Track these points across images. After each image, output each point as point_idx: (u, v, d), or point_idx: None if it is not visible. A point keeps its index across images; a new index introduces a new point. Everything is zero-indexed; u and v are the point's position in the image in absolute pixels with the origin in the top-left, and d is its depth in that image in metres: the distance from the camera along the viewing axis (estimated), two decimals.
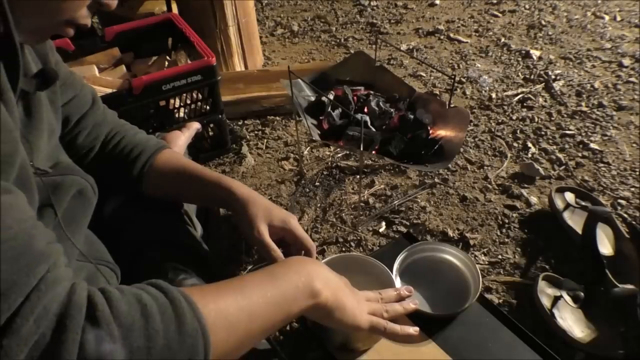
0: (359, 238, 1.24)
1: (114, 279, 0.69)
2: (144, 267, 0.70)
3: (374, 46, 1.52)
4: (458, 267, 0.99)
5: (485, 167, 1.45)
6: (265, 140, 1.60)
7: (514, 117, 1.65)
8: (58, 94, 0.64)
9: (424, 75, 1.91)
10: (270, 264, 0.61)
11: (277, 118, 1.68)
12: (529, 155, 1.48)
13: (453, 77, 1.25)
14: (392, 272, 0.89)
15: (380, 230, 1.27)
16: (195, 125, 1.06)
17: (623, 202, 1.31)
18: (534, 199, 1.33)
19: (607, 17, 2.24)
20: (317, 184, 1.42)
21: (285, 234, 0.72)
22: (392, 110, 1.32)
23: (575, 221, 1.20)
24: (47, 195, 0.57)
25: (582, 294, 1.03)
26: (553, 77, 1.83)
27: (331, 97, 1.34)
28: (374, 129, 1.28)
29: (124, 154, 0.75)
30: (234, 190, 0.72)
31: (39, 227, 0.40)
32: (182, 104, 1.34)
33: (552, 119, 1.63)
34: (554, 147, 1.51)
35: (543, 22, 2.22)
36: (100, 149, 0.75)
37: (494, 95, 1.76)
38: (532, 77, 1.85)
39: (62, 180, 0.61)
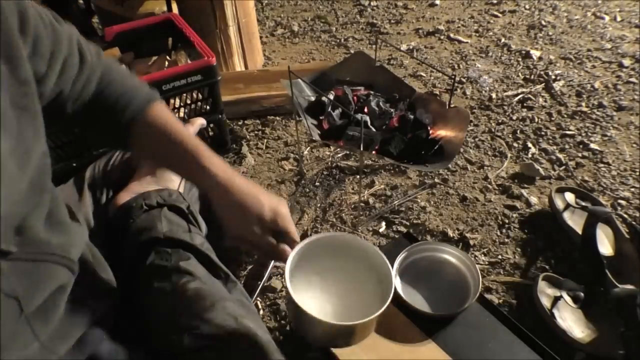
0: None
1: None
2: (146, 268, 0.69)
3: (374, 46, 1.52)
4: (458, 267, 0.99)
5: (485, 167, 1.45)
6: (265, 140, 1.60)
7: (514, 117, 1.65)
8: (30, 86, 0.47)
9: (424, 75, 1.91)
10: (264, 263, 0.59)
11: (277, 118, 1.68)
12: (529, 156, 1.48)
13: (453, 77, 1.25)
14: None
15: (380, 230, 1.27)
16: (200, 121, 1.04)
17: (623, 202, 1.31)
18: (534, 199, 1.33)
19: (607, 18, 2.24)
20: (317, 184, 1.42)
21: (273, 225, 0.63)
22: (392, 110, 1.32)
23: (575, 221, 1.20)
24: (10, 283, 0.44)
25: (582, 294, 1.03)
26: (553, 77, 1.83)
27: (331, 97, 1.34)
28: (374, 129, 1.28)
29: (111, 104, 0.64)
30: (213, 172, 0.62)
31: None
32: (182, 104, 1.34)
33: (552, 119, 1.63)
34: (554, 147, 1.51)
35: (543, 23, 2.22)
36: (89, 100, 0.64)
37: (494, 96, 1.76)
38: (532, 77, 1.85)
39: (36, 269, 0.47)
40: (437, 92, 1.82)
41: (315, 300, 0.68)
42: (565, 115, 1.65)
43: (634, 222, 1.21)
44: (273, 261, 1.17)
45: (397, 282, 0.91)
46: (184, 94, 1.32)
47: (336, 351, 0.85)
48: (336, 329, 0.63)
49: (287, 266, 0.63)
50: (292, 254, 0.63)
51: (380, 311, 0.61)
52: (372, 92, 1.39)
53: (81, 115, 0.64)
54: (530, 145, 1.52)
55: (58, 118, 0.62)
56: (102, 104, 0.64)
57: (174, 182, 0.85)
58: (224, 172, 0.63)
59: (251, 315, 0.66)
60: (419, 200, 1.35)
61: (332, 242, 0.71)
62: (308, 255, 0.67)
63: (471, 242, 1.22)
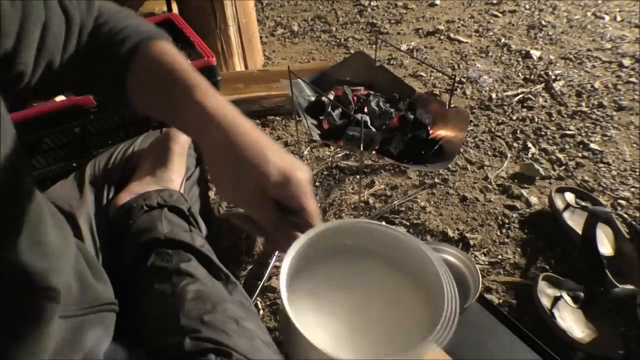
0: None
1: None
2: (147, 269, 0.69)
3: (374, 46, 1.52)
4: (458, 267, 0.99)
5: (485, 167, 1.45)
6: None
7: (514, 117, 1.65)
8: None
9: (424, 75, 1.91)
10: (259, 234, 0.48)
11: (277, 118, 1.68)
12: (529, 156, 1.48)
13: (453, 77, 1.25)
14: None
15: None
16: None
17: (623, 202, 1.31)
18: (534, 199, 1.33)
19: (607, 17, 2.24)
20: (317, 184, 1.42)
21: (285, 194, 0.47)
22: (392, 110, 1.32)
23: (575, 221, 1.20)
24: None
25: (582, 294, 1.03)
26: (553, 77, 1.83)
27: (331, 97, 1.34)
28: (374, 129, 1.28)
29: (106, 41, 0.54)
30: (207, 110, 0.48)
31: None
32: None
33: (552, 119, 1.63)
34: (554, 147, 1.51)
35: (543, 22, 2.22)
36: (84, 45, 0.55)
37: (494, 96, 1.76)
38: (532, 77, 1.85)
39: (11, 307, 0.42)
40: (437, 92, 1.82)
41: (324, 322, 0.46)
42: (565, 115, 1.65)
43: (634, 222, 1.21)
44: (276, 252, 1.16)
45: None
46: None
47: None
48: None
49: (285, 264, 0.44)
50: (294, 247, 0.45)
51: (427, 343, 0.39)
52: (372, 92, 1.39)
53: (72, 73, 0.54)
54: (530, 145, 1.52)
55: (56, 88, 0.60)
56: (96, 44, 0.53)
57: (174, 182, 0.85)
58: (223, 114, 0.48)
59: (252, 317, 0.66)
60: (419, 200, 1.35)
61: (356, 233, 0.50)
62: (320, 250, 0.48)
63: (471, 242, 1.22)
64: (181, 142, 0.89)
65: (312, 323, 0.43)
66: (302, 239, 0.46)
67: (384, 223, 0.50)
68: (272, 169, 0.46)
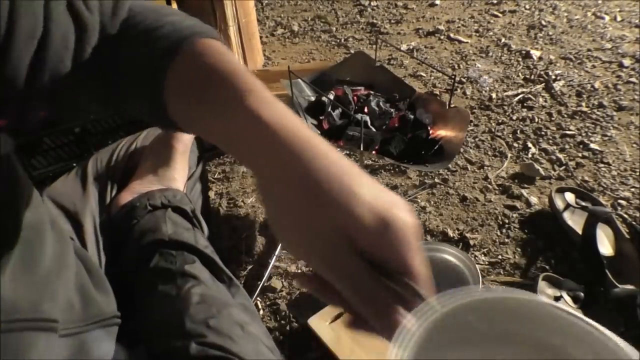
0: None
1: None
2: (150, 270, 0.69)
3: (374, 46, 1.52)
4: (458, 267, 0.99)
5: (486, 167, 1.45)
6: None
7: (514, 117, 1.65)
8: None
9: (424, 75, 1.91)
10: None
11: None
12: (529, 156, 1.48)
13: (453, 77, 1.25)
14: None
15: None
16: None
17: (623, 202, 1.31)
18: (534, 199, 1.33)
19: (607, 18, 2.24)
20: None
21: (381, 247, 0.32)
22: (392, 110, 1.32)
23: (575, 221, 1.20)
24: None
25: (582, 294, 1.03)
26: (553, 77, 1.83)
27: (331, 97, 1.34)
28: (374, 129, 1.28)
29: (142, 36, 0.44)
30: (265, 121, 0.35)
31: None
32: None
33: (553, 119, 1.63)
34: (554, 147, 1.51)
35: (543, 22, 2.22)
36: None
37: (494, 96, 1.76)
38: (532, 77, 1.85)
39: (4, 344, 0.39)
40: (437, 92, 1.82)
41: None
42: (566, 115, 1.65)
43: (634, 222, 1.21)
44: (276, 252, 1.16)
45: None
46: None
47: (336, 351, 0.85)
48: None
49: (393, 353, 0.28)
50: (406, 331, 0.29)
51: None
52: (372, 92, 1.39)
53: (98, 83, 0.46)
54: (530, 145, 1.52)
55: (78, 104, 0.50)
56: (127, 45, 0.45)
57: (177, 181, 0.84)
58: (289, 128, 0.35)
59: (255, 321, 0.66)
60: (419, 200, 1.35)
61: (497, 311, 0.32)
62: (444, 334, 0.30)
63: (471, 242, 1.22)
64: (184, 140, 0.88)
65: None
66: (417, 325, 0.29)
67: (554, 303, 0.32)
68: (363, 210, 0.31)
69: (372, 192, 0.33)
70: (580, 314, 0.32)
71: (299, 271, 0.36)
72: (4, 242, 0.38)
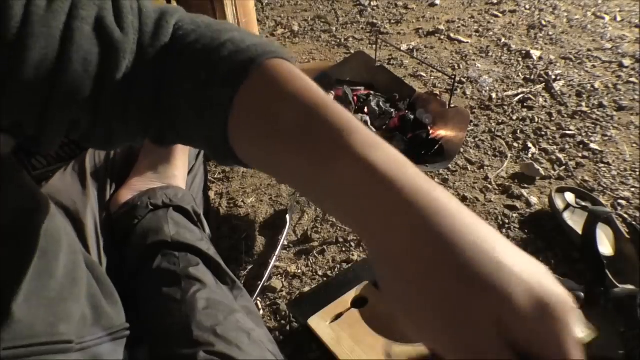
0: (359, 238, 1.24)
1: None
2: (153, 271, 0.68)
3: (374, 46, 1.52)
4: None
5: (486, 167, 1.45)
6: None
7: (514, 117, 1.65)
8: None
9: (424, 75, 1.91)
10: None
11: None
12: (529, 156, 1.48)
13: (453, 77, 1.25)
14: None
15: None
16: None
17: (623, 202, 1.31)
18: (534, 199, 1.33)
19: (607, 18, 2.24)
20: None
21: (538, 334, 0.26)
22: (392, 110, 1.32)
23: (575, 221, 1.20)
24: None
25: (582, 294, 1.03)
26: (553, 77, 1.83)
27: (331, 97, 1.34)
28: (374, 129, 1.28)
29: (202, 58, 0.37)
30: (383, 176, 0.28)
31: None
32: None
33: (553, 119, 1.63)
34: (554, 147, 1.51)
35: (543, 23, 2.22)
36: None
37: (494, 96, 1.76)
38: (532, 77, 1.85)
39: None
40: (437, 92, 1.82)
41: None
42: (566, 115, 1.65)
43: (634, 222, 1.21)
44: (276, 252, 1.15)
45: None
46: None
47: (336, 351, 0.85)
48: None
49: None
50: None
51: None
52: (372, 92, 1.39)
53: (138, 117, 0.39)
54: (530, 145, 1.52)
55: (117, 139, 0.42)
56: (181, 68, 0.37)
57: (177, 178, 0.82)
58: (412, 184, 0.28)
59: (259, 326, 0.66)
60: None
61: None
62: None
63: None
64: None
65: None
66: None
67: None
68: (518, 290, 0.25)
69: (519, 264, 0.27)
70: None
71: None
72: (24, 252, 0.37)
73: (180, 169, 0.84)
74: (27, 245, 0.39)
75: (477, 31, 2.20)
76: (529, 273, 0.27)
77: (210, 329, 0.59)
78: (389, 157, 0.29)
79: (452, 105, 1.27)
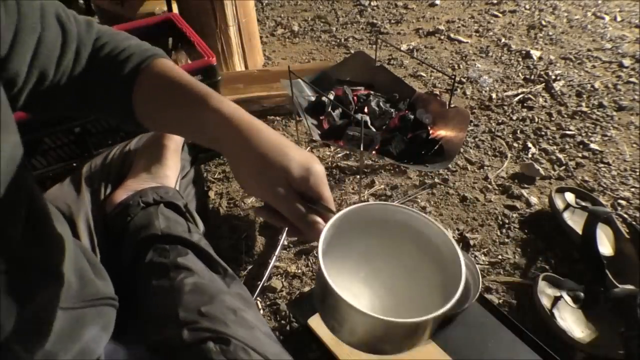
0: None
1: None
2: (145, 266, 0.69)
3: (374, 46, 1.52)
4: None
5: (486, 167, 1.45)
6: None
7: (514, 118, 1.65)
8: None
9: (424, 75, 1.91)
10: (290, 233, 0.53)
11: (277, 118, 1.68)
12: (529, 156, 1.48)
13: (453, 77, 1.25)
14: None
15: None
16: None
17: (623, 202, 1.31)
18: (534, 199, 1.33)
19: (607, 18, 2.24)
20: None
21: (307, 186, 0.50)
22: (392, 110, 1.32)
23: (575, 221, 1.20)
24: None
25: (582, 294, 1.03)
26: (553, 77, 1.83)
27: (331, 97, 1.34)
28: (374, 129, 1.28)
29: (107, 63, 0.56)
30: (225, 115, 0.52)
31: None
32: None
33: (553, 119, 1.63)
34: (554, 147, 1.51)
35: (543, 23, 2.22)
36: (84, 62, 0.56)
37: (494, 96, 1.76)
38: (532, 77, 1.85)
39: (15, 287, 0.41)
40: (437, 92, 1.82)
41: (355, 292, 0.56)
42: (566, 115, 1.65)
43: (634, 222, 1.21)
44: (276, 252, 1.16)
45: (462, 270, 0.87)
46: None
47: (336, 351, 0.85)
48: (386, 327, 0.46)
49: (320, 244, 0.49)
50: (326, 228, 0.50)
51: (446, 308, 0.45)
52: (372, 92, 1.39)
53: (73, 91, 0.56)
54: (530, 145, 1.52)
55: (56, 107, 0.58)
56: (98, 66, 0.56)
57: (169, 178, 0.85)
58: (240, 118, 0.52)
59: (251, 309, 0.66)
60: (419, 200, 1.35)
61: (378, 215, 0.56)
62: (346, 231, 0.54)
63: (471, 242, 1.22)
64: (175, 139, 0.90)
65: (343, 287, 0.47)
66: (336, 216, 0.51)
67: (396, 203, 0.59)
68: (294, 164, 0.50)
69: (297, 152, 0.51)
70: (414, 209, 0.55)
71: (258, 206, 0.52)
72: (14, 197, 0.41)
73: (172, 169, 0.87)
74: (20, 209, 0.43)
75: (477, 31, 2.20)
76: (303, 158, 0.51)
77: (196, 309, 0.61)
78: (231, 107, 0.53)
79: (452, 105, 1.27)
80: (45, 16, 0.50)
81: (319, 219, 0.50)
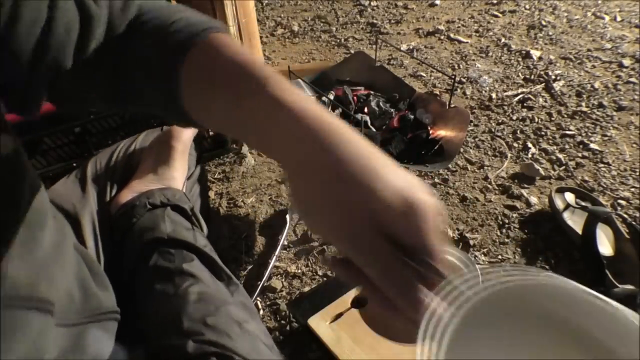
0: None
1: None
2: (149, 269, 0.69)
3: (374, 46, 1.52)
4: (458, 267, 0.99)
5: (486, 167, 1.45)
6: None
7: (514, 118, 1.65)
8: None
9: (424, 75, 1.91)
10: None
11: None
12: (529, 156, 1.48)
13: (453, 77, 1.25)
14: None
15: None
16: None
17: (623, 202, 1.31)
18: (534, 199, 1.33)
19: (607, 18, 2.24)
20: None
21: (405, 227, 0.32)
22: (392, 110, 1.32)
23: (575, 221, 1.20)
24: None
25: None
26: (553, 77, 1.83)
27: (331, 97, 1.34)
28: (374, 129, 1.28)
29: (155, 32, 0.45)
30: (289, 107, 0.35)
31: None
32: None
33: (552, 119, 1.63)
34: (554, 147, 1.51)
35: (543, 23, 2.22)
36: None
37: (494, 96, 1.76)
38: (532, 77, 1.85)
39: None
40: (437, 92, 1.82)
41: None
42: (565, 115, 1.65)
43: (634, 222, 1.21)
44: (276, 252, 1.16)
45: None
46: None
47: (336, 351, 0.85)
48: None
49: (420, 334, 0.30)
50: (435, 320, 0.30)
51: None
52: (372, 92, 1.39)
53: (106, 78, 0.46)
54: (530, 145, 1.52)
55: (84, 98, 0.50)
56: (137, 45, 0.45)
57: (177, 180, 0.84)
58: (310, 113, 0.35)
59: (254, 319, 0.66)
60: None
61: (534, 304, 0.34)
62: (475, 324, 0.32)
63: (471, 242, 1.22)
64: (183, 140, 0.89)
65: None
66: (448, 315, 0.30)
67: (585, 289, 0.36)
68: (388, 191, 0.32)
69: (394, 174, 0.33)
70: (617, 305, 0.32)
71: (327, 254, 0.38)
72: (11, 219, 0.40)
73: (179, 171, 0.86)
74: (14, 215, 0.40)
75: (477, 31, 2.20)
76: (404, 183, 0.33)
77: (201, 320, 0.60)
78: (296, 97, 0.36)
79: (452, 105, 1.27)
80: (57, 4, 0.42)
81: (421, 287, 0.32)
